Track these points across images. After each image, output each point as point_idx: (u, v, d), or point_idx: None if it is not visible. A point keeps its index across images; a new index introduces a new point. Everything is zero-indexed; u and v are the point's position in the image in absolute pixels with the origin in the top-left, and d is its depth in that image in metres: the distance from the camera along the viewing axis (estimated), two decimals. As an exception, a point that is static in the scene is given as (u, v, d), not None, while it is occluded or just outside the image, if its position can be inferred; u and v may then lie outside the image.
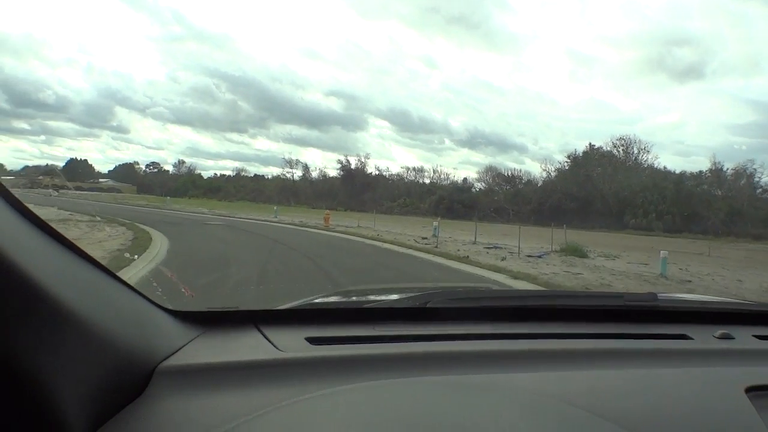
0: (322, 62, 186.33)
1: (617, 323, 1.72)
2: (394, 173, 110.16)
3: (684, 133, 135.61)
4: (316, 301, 1.88)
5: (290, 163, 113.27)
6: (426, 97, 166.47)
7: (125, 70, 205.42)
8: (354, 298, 2.21)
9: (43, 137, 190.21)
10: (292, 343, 1.36)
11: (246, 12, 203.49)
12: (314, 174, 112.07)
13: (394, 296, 1.94)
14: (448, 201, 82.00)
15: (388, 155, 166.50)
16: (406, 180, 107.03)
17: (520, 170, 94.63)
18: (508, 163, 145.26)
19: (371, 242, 22.50)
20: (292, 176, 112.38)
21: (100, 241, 16.83)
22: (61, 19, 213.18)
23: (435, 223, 29.04)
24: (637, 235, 56.89)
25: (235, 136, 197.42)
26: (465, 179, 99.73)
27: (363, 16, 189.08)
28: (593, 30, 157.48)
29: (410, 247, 20.50)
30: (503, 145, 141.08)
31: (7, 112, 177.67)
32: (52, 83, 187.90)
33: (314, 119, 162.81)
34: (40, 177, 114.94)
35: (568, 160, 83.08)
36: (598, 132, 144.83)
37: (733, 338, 1.64)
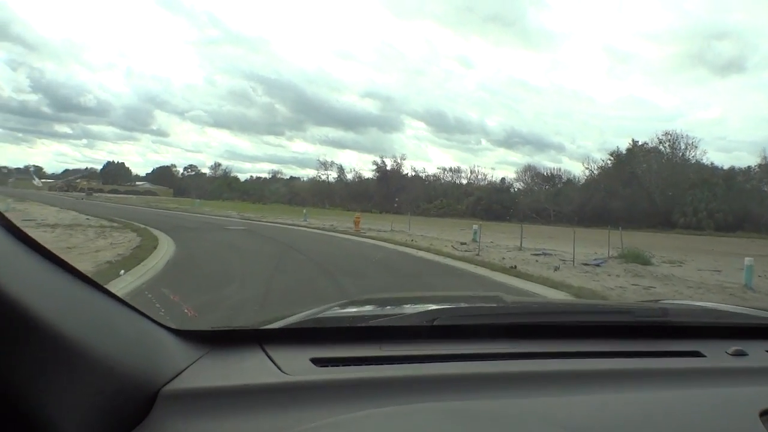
0: (358, 64, 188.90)
1: (628, 340, 1.65)
2: (430, 174, 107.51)
3: (726, 128, 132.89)
4: (320, 316, 1.69)
5: (325, 165, 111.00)
6: (462, 98, 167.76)
7: (164, 74, 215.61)
8: (359, 311, 1.95)
9: (84, 141, 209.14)
10: (296, 365, 1.33)
11: (281, 15, 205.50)
12: (349, 176, 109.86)
13: (404, 308, 1.93)
14: (487, 202, 79.10)
15: (425, 156, 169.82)
16: (442, 181, 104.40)
17: (560, 169, 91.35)
18: (546, 163, 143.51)
19: (404, 249, 19.94)
20: (327, 178, 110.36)
21: (98, 250, 14.97)
22: (101, 23, 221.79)
23: (475, 227, 26.43)
24: (688, 235, 53.60)
25: (272, 138, 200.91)
26: (503, 179, 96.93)
27: (398, 16, 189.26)
28: (631, 25, 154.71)
29: (448, 256, 17.82)
30: (540, 145, 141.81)
31: (50, 116, 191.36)
32: (93, 87, 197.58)
33: (350, 121, 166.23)
34: (78, 180, 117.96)
35: (611, 158, 79.27)
36: (637, 129, 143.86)
37: (747, 355, 1.57)
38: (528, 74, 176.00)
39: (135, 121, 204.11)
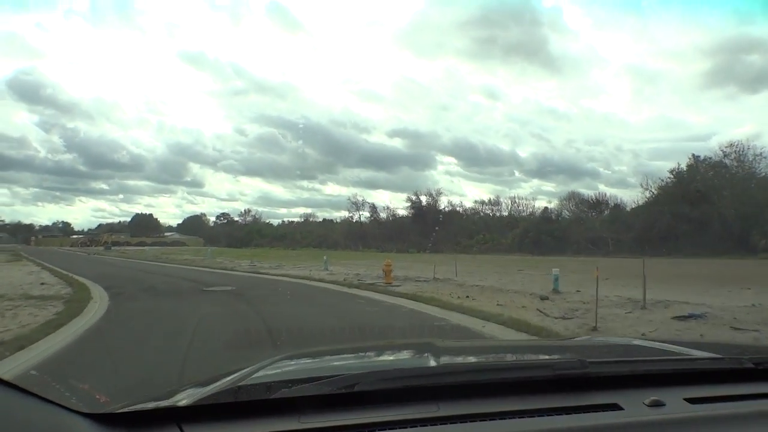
0: (383, 103, 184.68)
1: (547, 395, 1.64)
2: (467, 208, 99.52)
3: (764, 143, 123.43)
4: (239, 385, 1.59)
5: (357, 205, 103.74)
6: (491, 130, 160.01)
7: (194, 126, 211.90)
8: (278, 375, 1.82)
9: (121, 196, 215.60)
10: None
11: (304, 60, 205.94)
12: (383, 215, 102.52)
13: (326, 369, 1.95)
14: (534, 233, 70.64)
15: (458, 191, 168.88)
16: (481, 214, 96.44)
17: (605, 195, 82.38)
18: (582, 191, 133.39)
19: (469, 323, 11.28)
20: (360, 218, 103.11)
21: None
22: (128, 82, 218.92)
23: (555, 271, 18.33)
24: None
25: (304, 183, 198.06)
26: (545, 209, 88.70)
27: (419, 55, 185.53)
28: (656, 45, 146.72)
29: (550, 334, 9.76)
30: (574, 173, 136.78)
31: (86, 174, 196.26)
32: (126, 143, 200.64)
33: (381, 160, 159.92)
34: (103, 234, 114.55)
35: (672, 177, 70.16)
36: (672, 150, 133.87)
37: (664, 405, 1.59)
38: (556, 102, 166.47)
39: (169, 174, 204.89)
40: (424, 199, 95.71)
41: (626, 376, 1.79)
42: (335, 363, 2.19)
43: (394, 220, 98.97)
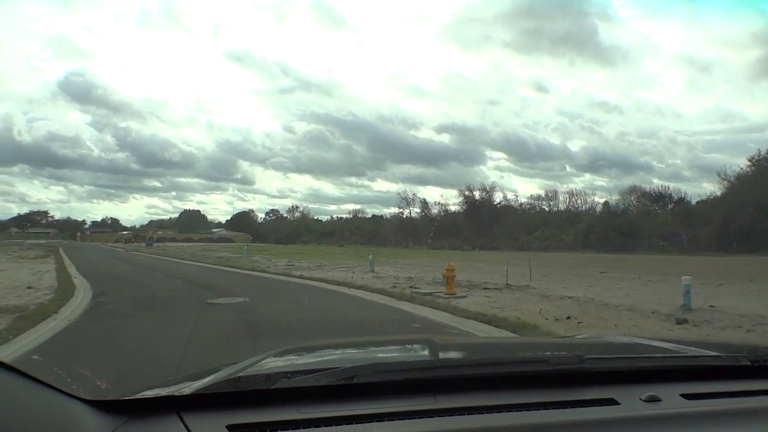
0: (430, 99, 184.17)
1: (544, 390, 1.63)
2: (522, 202, 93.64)
3: None
4: (238, 376, 1.60)
5: (407, 200, 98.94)
6: (541, 124, 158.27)
7: (243, 124, 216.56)
8: (279, 367, 1.87)
9: (173, 193, 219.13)
10: None
11: (350, 57, 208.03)
12: (434, 210, 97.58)
13: (325, 362, 1.90)
14: (600, 229, 64.62)
15: (509, 187, 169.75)
16: (537, 208, 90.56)
17: (668, 187, 75.85)
18: (626, 187, 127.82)
19: None
20: (410, 214, 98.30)
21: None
22: (177, 82, 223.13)
23: (686, 281, 13.03)
24: None
25: (353, 179, 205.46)
26: (606, 203, 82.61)
27: (464, 49, 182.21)
28: (709, 32, 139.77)
29: None
30: (627, 167, 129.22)
31: (138, 172, 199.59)
32: (177, 142, 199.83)
33: (429, 156, 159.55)
34: (149, 231, 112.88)
35: (751, 165, 62.92)
36: (728, 142, 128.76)
37: (660, 400, 1.59)
38: (607, 93, 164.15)
39: (220, 172, 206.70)
40: (477, 193, 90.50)
41: (623, 372, 1.78)
42: (335, 356, 2.19)
43: (446, 216, 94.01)
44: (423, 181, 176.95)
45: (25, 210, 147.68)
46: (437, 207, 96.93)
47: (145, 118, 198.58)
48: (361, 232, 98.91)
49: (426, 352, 2.11)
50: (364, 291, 16.30)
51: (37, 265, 29.60)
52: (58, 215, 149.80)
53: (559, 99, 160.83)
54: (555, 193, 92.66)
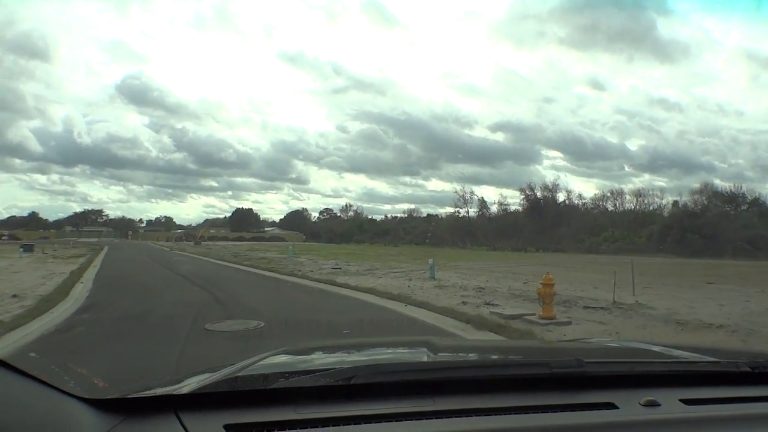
0: (484, 97, 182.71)
1: (543, 393, 1.61)
2: (586, 201, 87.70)
3: None
4: (237, 375, 1.57)
5: (464, 199, 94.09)
6: (598, 123, 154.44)
7: (297, 124, 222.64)
8: (276, 367, 1.81)
9: (230, 192, 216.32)
10: None
11: (403, 56, 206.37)
12: (493, 209, 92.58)
13: (323, 363, 1.92)
14: (677, 231, 58.77)
15: (565, 187, 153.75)
16: (599, 208, 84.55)
17: (741, 186, 69.21)
18: (695, 186, 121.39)
19: None
20: (468, 213, 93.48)
21: None
22: (231, 83, 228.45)
23: None
24: None
25: (408, 179, 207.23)
26: (675, 202, 76.41)
27: (518, 46, 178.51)
28: None
29: None
30: (687, 167, 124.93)
31: (195, 172, 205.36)
32: (233, 142, 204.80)
33: (484, 156, 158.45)
34: (200, 229, 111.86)
35: None
36: None
37: (660, 405, 1.57)
38: (666, 91, 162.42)
39: (275, 171, 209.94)
40: (539, 192, 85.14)
41: (622, 376, 1.76)
42: (333, 356, 2.17)
43: (506, 215, 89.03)
44: (478, 181, 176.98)
45: (87, 209, 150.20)
46: (496, 206, 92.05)
47: (201, 119, 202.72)
48: (416, 232, 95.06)
49: (424, 354, 2.02)
50: (427, 310, 11.93)
51: (60, 266, 26.45)
52: (119, 214, 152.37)
53: (616, 96, 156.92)
54: (620, 192, 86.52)
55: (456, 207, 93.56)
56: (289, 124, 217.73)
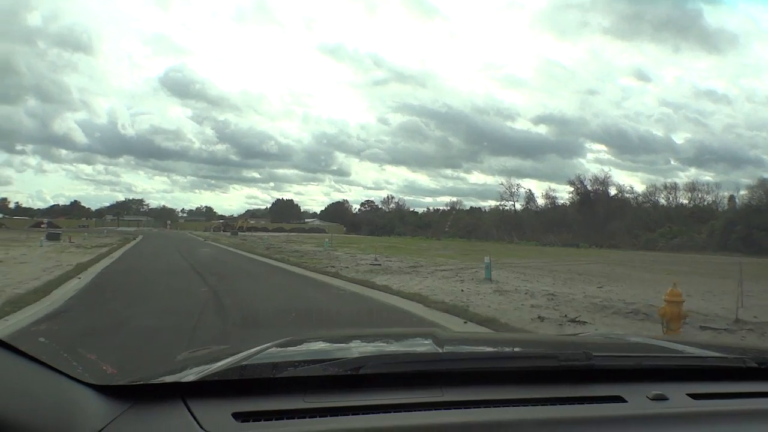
0: (526, 89, 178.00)
1: (551, 385, 1.58)
2: (638, 193, 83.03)
3: None
4: (245, 364, 1.55)
5: (510, 192, 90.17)
6: (642, 115, 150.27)
7: (338, 116, 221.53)
8: (285, 356, 1.82)
9: (272, 184, 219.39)
10: (218, 420, 1.29)
11: (442, 47, 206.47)
12: (540, 202, 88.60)
13: (331, 353, 1.89)
14: (743, 228, 54.25)
15: (614, 181, 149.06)
16: (651, 202, 79.87)
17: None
18: (743, 181, 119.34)
19: None
20: (514, 206, 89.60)
21: None
22: (272, 76, 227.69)
23: None
24: None
25: (449, 171, 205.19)
26: (731, 197, 71.83)
27: (561, 37, 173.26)
28: None
29: None
30: (735, 161, 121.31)
31: (238, 163, 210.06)
32: (274, 134, 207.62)
33: (526, 148, 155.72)
34: (239, 219, 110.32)
35: None
36: None
37: (667, 399, 1.54)
38: (713, 82, 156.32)
39: (316, 163, 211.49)
40: (589, 185, 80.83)
41: (630, 370, 1.74)
42: (341, 346, 2.11)
43: (553, 209, 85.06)
44: (520, 174, 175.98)
45: (128, 198, 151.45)
46: (544, 200, 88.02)
47: (242, 111, 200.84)
48: (459, 225, 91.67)
49: (432, 345, 1.97)
50: (494, 328, 8.80)
51: (74, 257, 23.95)
52: (162, 204, 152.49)
53: (662, 88, 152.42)
54: (674, 186, 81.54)
55: (503, 199, 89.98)
56: (330, 117, 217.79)
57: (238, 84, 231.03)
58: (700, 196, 77.47)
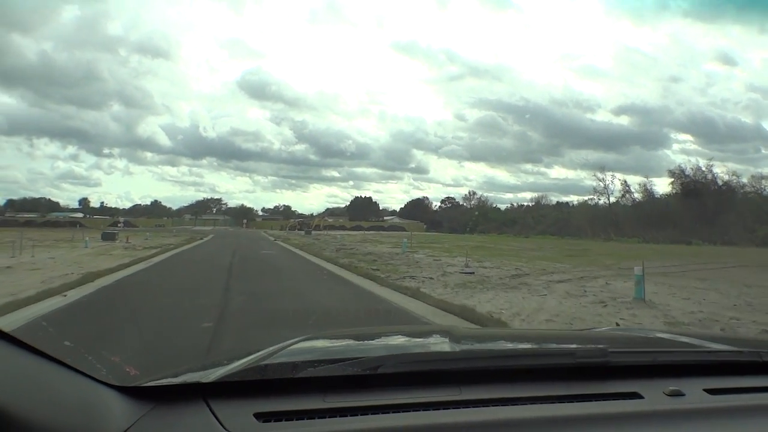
0: (605, 79, 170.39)
1: (568, 382, 1.58)
2: (744, 182, 74.11)
3: None
4: (264, 363, 1.55)
5: (604, 184, 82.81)
6: (729, 102, 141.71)
7: (415, 114, 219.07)
8: (304, 355, 1.77)
9: (351, 182, 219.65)
10: (240, 420, 1.29)
11: (516, 39, 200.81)
12: (636, 195, 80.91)
13: (349, 352, 1.84)
14: None
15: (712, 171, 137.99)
16: (759, 192, 70.95)
17: None
18: None
19: None
20: (608, 200, 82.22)
21: None
22: (347, 75, 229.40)
23: None
24: None
25: (529, 166, 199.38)
26: None
27: (639, 22, 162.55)
28: None
29: None
30: None
31: (317, 162, 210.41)
32: (352, 133, 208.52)
33: (608, 141, 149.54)
34: (315, 218, 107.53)
35: None
36: None
37: (684, 395, 1.55)
38: None
39: (394, 161, 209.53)
40: (692, 174, 72.85)
41: (647, 366, 1.74)
42: (358, 345, 2.12)
43: (651, 202, 77.25)
44: (603, 167, 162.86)
45: (206, 198, 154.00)
46: (641, 192, 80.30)
47: (319, 111, 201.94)
48: (546, 221, 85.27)
49: (449, 344, 1.92)
50: None
51: (108, 261, 20.21)
52: (245, 203, 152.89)
53: (749, 72, 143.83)
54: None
55: (596, 192, 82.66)
56: (407, 114, 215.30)
57: (314, 84, 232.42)
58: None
